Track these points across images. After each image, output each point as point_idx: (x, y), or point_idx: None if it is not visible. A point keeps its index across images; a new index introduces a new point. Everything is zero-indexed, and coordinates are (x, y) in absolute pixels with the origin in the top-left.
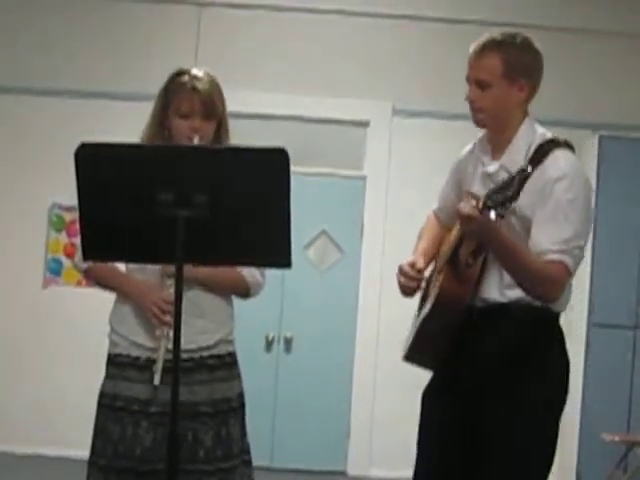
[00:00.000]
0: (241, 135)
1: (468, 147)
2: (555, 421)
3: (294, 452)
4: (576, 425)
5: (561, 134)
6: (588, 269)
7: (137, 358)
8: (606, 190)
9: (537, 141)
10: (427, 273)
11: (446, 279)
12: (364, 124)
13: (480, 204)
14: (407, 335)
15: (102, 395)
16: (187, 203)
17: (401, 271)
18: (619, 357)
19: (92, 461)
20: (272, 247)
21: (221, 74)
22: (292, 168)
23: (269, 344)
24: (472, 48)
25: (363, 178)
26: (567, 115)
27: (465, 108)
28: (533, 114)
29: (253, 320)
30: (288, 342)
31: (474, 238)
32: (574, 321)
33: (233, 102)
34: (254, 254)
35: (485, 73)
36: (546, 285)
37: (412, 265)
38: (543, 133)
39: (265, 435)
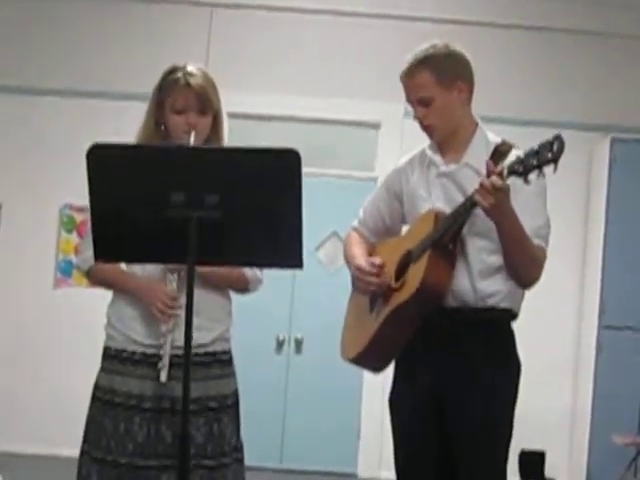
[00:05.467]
0: (253, 137)
1: (405, 159)
2: (513, 411)
3: (304, 453)
4: (587, 427)
5: (573, 136)
6: (599, 271)
7: (133, 353)
8: (618, 192)
9: (492, 141)
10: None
11: (431, 264)
12: (376, 126)
13: (505, 172)
14: (346, 337)
15: (96, 388)
16: (199, 204)
17: (361, 269)
18: (630, 359)
19: (84, 451)
20: (284, 248)
21: (233, 76)
22: (303, 169)
23: (280, 345)
24: (401, 73)
25: (374, 179)
26: (579, 117)
27: (477, 110)
28: (545, 117)
29: (264, 321)
30: (299, 343)
31: (495, 211)
32: (585, 323)
33: (244, 104)
34: (266, 255)
35: (422, 90)
36: (538, 267)
37: (371, 264)
38: (492, 136)
39: (275, 436)
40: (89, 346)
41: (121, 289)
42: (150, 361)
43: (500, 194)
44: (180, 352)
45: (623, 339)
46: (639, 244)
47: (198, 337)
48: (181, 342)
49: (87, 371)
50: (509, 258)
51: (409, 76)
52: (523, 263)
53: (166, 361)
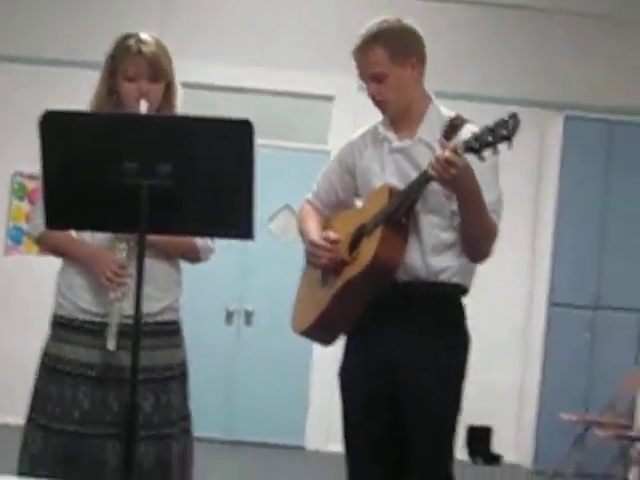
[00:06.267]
0: (206, 106)
1: (358, 134)
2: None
3: (252, 425)
4: (534, 404)
5: (527, 113)
6: (549, 249)
7: (82, 321)
8: (570, 169)
9: (445, 115)
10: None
11: (384, 238)
12: (329, 98)
13: (460, 148)
14: (297, 309)
15: (44, 355)
16: (151, 172)
17: (314, 243)
18: (579, 337)
19: (30, 418)
20: (235, 218)
21: (187, 46)
22: (257, 141)
23: (229, 316)
24: (353, 49)
25: (327, 152)
26: (533, 94)
27: (432, 85)
28: (498, 93)
29: (214, 292)
30: (249, 315)
31: (450, 185)
32: (535, 300)
33: (199, 74)
34: (217, 225)
35: (376, 66)
36: (491, 241)
37: (325, 238)
38: (445, 110)
39: (223, 407)
40: (38, 314)
41: (70, 257)
42: (98, 329)
43: (454, 169)
44: (128, 321)
45: (572, 317)
46: (590, 222)
47: (147, 306)
48: (129, 311)
49: (36, 339)
50: (466, 231)
51: (362, 52)
52: (479, 236)
53: (113, 329)
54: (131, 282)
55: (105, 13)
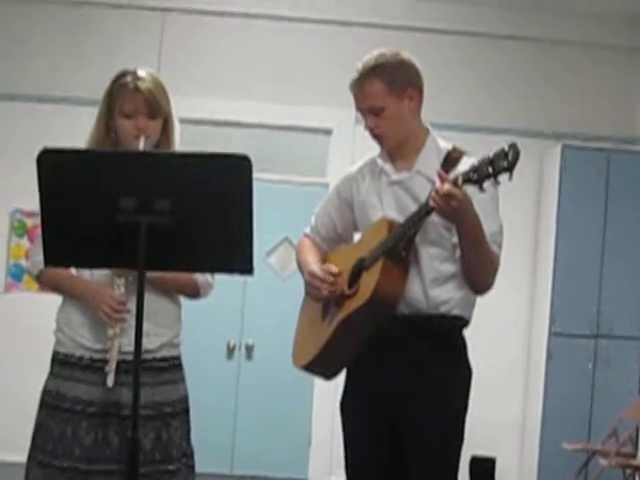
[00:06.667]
0: (203, 142)
1: (355, 167)
2: (464, 419)
3: (255, 459)
4: (537, 434)
5: (525, 143)
6: (550, 278)
7: (81, 358)
8: (568, 199)
9: (443, 148)
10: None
11: (384, 271)
12: (327, 132)
13: (460, 180)
14: (298, 343)
15: (45, 392)
16: (149, 209)
17: (314, 275)
18: (580, 366)
19: (32, 456)
20: (234, 253)
21: (185, 81)
22: (255, 175)
23: (230, 351)
24: (351, 82)
25: (326, 185)
26: (531, 124)
27: (430, 116)
28: (496, 124)
29: (214, 327)
30: (249, 349)
31: (451, 218)
32: (535, 330)
33: (196, 109)
34: (216, 260)
35: (373, 99)
36: (493, 273)
37: (325, 270)
38: (444, 142)
39: (226, 442)
40: (38, 351)
41: (69, 293)
42: (98, 366)
43: (454, 201)
44: (127, 357)
45: (573, 346)
46: (589, 252)
47: (146, 342)
48: (128, 347)
49: (36, 376)
50: (467, 262)
51: (359, 85)
52: (481, 267)
53: (112, 366)
54: (130, 318)
55: (104, 50)
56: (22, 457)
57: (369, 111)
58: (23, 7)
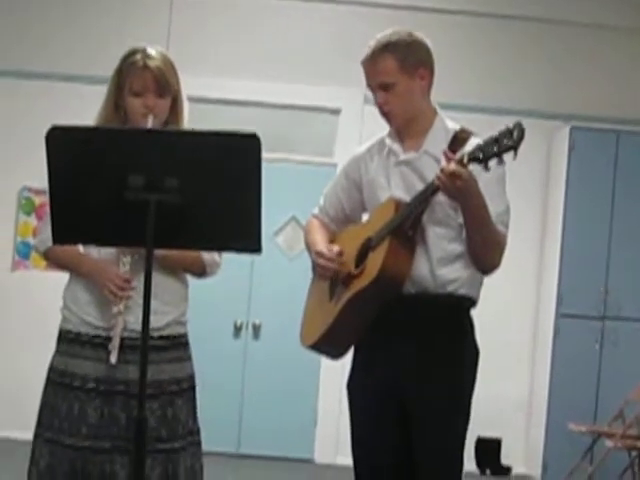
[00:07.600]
0: (212, 121)
1: (363, 147)
2: (471, 399)
3: (261, 439)
4: (543, 415)
5: (533, 125)
6: (557, 259)
7: (87, 335)
8: (576, 181)
9: (451, 128)
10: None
11: (391, 251)
12: (336, 111)
13: (466, 159)
14: (305, 323)
15: (51, 370)
16: (158, 187)
17: (321, 254)
18: (587, 348)
19: (38, 433)
20: (242, 232)
21: (193, 59)
22: (263, 154)
23: (237, 330)
24: (363, 58)
25: (334, 165)
26: (539, 106)
27: (437, 97)
28: (505, 104)
29: (221, 306)
30: (256, 329)
31: (456, 197)
32: (542, 312)
33: (204, 87)
34: (224, 239)
35: (385, 75)
36: (500, 253)
37: (330, 249)
38: (452, 123)
39: (232, 421)
40: (45, 328)
41: (76, 271)
42: (103, 343)
43: (459, 181)
44: (132, 335)
45: (580, 328)
46: (597, 233)
47: (152, 320)
48: (133, 325)
49: (44, 354)
50: (473, 242)
51: (372, 61)
52: (487, 247)
53: (116, 343)
54: (136, 295)
55: (115, 29)
56: (29, 435)
57: (379, 87)
58: None
